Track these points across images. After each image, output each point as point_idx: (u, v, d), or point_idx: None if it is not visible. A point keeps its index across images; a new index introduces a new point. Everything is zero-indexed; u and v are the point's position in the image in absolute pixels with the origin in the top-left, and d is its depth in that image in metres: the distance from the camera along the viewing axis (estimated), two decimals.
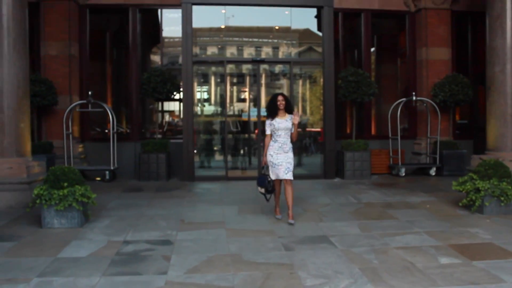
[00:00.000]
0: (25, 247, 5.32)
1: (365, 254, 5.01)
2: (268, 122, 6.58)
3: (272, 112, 6.56)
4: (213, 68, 12.37)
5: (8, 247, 5.31)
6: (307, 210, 7.19)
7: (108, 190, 9.03)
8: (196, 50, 11.63)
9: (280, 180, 6.66)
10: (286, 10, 11.09)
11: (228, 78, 10.45)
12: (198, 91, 13.13)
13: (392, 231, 5.95)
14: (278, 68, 12.26)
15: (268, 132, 6.59)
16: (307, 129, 12.39)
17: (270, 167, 6.58)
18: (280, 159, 6.49)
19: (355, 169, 10.29)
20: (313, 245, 5.35)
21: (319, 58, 10.67)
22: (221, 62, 10.63)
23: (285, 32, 12.03)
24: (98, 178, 10.27)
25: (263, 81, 12.01)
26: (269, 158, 6.55)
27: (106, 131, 11.19)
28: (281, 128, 6.51)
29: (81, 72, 11.08)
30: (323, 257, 4.91)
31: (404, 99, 11.02)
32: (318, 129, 12.05)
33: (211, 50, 12.57)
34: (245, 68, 13.39)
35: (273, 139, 6.55)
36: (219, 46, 12.30)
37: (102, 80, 12.78)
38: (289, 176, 6.49)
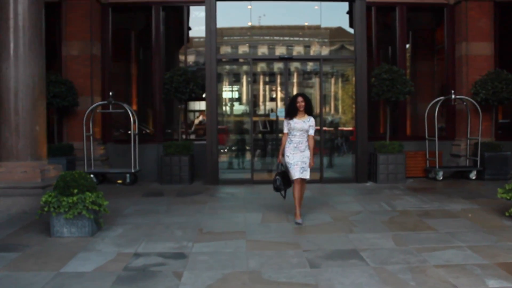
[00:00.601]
0: (29, 259, 4.94)
1: (401, 274, 4.41)
2: (286, 121, 6.60)
3: (291, 112, 6.56)
4: (239, 67, 11.88)
5: (11, 258, 4.95)
6: (336, 219, 6.62)
7: (127, 194, 8.67)
8: (223, 49, 11.22)
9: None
10: (316, 5, 10.53)
11: (255, 77, 9.93)
12: (225, 91, 12.71)
13: (431, 245, 5.32)
14: (309, 67, 11.67)
15: (285, 130, 6.61)
16: (339, 128, 11.78)
17: (288, 168, 6.50)
18: (296, 159, 6.44)
19: (389, 172, 9.64)
20: (341, 261, 4.79)
21: (350, 55, 10.04)
22: (247, 61, 10.08)
23: (315, 30, 11.47)
24: (120, 181, 9.93)
25: (293, 80, 11.49)
26: (286, 159, 6.51)
27: (129, 132, 10.85)
28: (297, 128, 6.47)
29: (103, 73, 10.78)
30: (353, 277, 4.34)
31: (442, 97, 10.28)
32: (350, 128, 11.51)
33: (238, 49, 12.13)
34: (274, 67, 12.90)
35: (289, 139, 6.55)
36: (247, 45, 11.81)
37: (126, 80, 12.50)
38: (305, 175, 6.47)
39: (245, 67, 11.56)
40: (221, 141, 11.78)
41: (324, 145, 9.85)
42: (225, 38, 11.52)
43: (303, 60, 11.17)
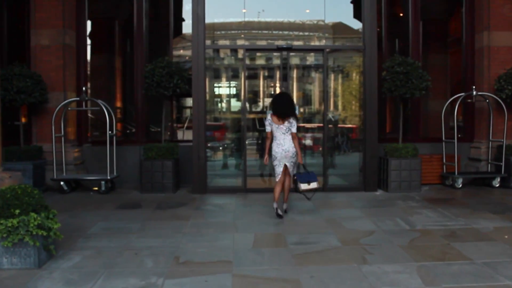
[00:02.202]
0: None
1: None
2: (268, 121, 6.65)
3: (274, 112, 6.60)
4: (232, 59, 10.61)
5: None
6: (344, 242, 5.40)
7: (99, 206, 7.46)
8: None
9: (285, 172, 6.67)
10: None
11: (250, 72, 8.70)
12: (215, 86, 11.49)
13: (469, 284, 4.13)
14: (309, 60, 10.44)
15: (268, 129, 6.67)
16: (339, 125, 10.59)
17: (274, 161, 6.62)
18: (281, 154, 6.53)
19: (402, 179, 8.43)
20: None
21: (358, 45, 8.77)
22: (239, 51, 8.81)
23: (316, 24, 10.25)
24: (96, 188, 8.71)
25: (292, 74, 10.27)
26: (273, 154, 6.60)
27: (110, 132, 9.65)
28: (281, 129, 6.56)
29: (79, 65, 9.57)
30: None
31: (462, 94, 9.06)
32: (350, 126, 10.55)
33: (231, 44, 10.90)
34: (272, 60, 11.71)
35: (274, 136, 6.62)
36: (241, 37, 10.55)
37: (108, 74, 11.30)
38: (290, 165, 6.64)
39: (238, 60, 10.29)
40: (219, 138, 10.66)
41: (326, 143, 8.61)
42: (217, 32, 10.31)
43: (305, 50, 9.92)
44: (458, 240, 5.45)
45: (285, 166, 6.57)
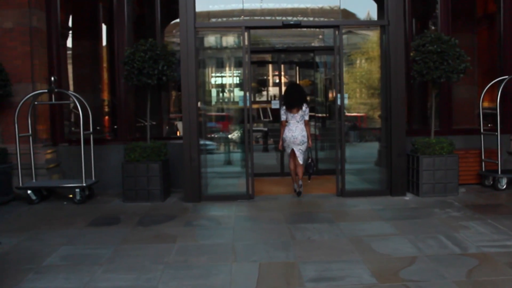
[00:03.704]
0: None
1: None
2: (283, 110, 7.20)
3: (288, 105, 7.15)
4: (229, 40, 9.16)
5: None
6: (380, 276, 3.99)
7: (69, 221, 6.09)
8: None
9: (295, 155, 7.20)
10: None
11: (251, 55, 7.19)
12: (214, 75, 10.09)
13: None
14: (317, 42, 8.98)
15: (283, 119, 7.20)
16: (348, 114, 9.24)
17: (284, 143, 7.25)
18: (292, 137, 7.11)
19: (436, 181, 7.01)
20: None
21: (380, 21, 7.26)
22: (238, 29, 7.26)
23: (321, 10, 8.79)
24: (71, 196, 7.32)
25: (299, 58, 8.87)
26: (285, 138, 7.18)
27: (87, 131, 8.28)
28: (295, 118, 7.12)
29: (51, 52, 8.15)
30: None
31: (506, 77, 7.60)
32: (356, 114, 9.66)
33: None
34: (275, 41, 10.30)
35: (287, 123, 7.16)
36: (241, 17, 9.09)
37: (90, 63, 9.90)
38: (301, 149, 7.16)
39: (236, 40, 8.79)
40: (224, 127, 9.67)
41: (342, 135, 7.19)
42: (213, 20, 8.85)
43: (316, 27, 8.45)
44: None
45: (293, 150, 7.16)
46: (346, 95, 7.13)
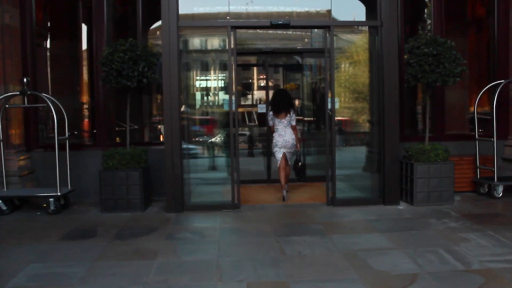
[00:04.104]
0: None
1: None
2: (270, 116, 7.48)
3: (275, 110, 7.39)
4: (213, 41, 8.78)
5: None
6: None
7: (40, 234, 5.64)
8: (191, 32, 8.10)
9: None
10: None
11: (235, 57, 6.78)
12: (198, 78, 9.66)
13: None
14: (304, 44, 8.64)
15: (271, 124, 7.54)
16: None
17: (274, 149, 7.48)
18: (281, 143, 7.35)
19: (431, 189, 6.70)
20: None
21: (373, 22, 6.90)
22: (224, 29, 6.85)
23: (303, 16, 8.45)
24: (44, 205, 6.86)
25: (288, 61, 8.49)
26: (274, 143, 7.43)
27: (69, 134, 7.83)
28: (282, 123, 7.36)
29: (24, 52, 7.67)
30: None
31: (502, 81, 7.35)
32: (342, 118, 9.11)
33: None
34: (260, 44, 9.96)
35: (276, 128, 7.41)
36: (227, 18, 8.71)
37: (70, 64, 9.45)
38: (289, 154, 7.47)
39: (221, 41, 8.40)
40: (208, 131, 9.33)
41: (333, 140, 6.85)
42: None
43: (306, 27, 8.11)
44: None
45: (284, 154, 7.38)
46: (337, 99, 6.78)
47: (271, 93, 8.84)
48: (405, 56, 6.72)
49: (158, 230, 5.72)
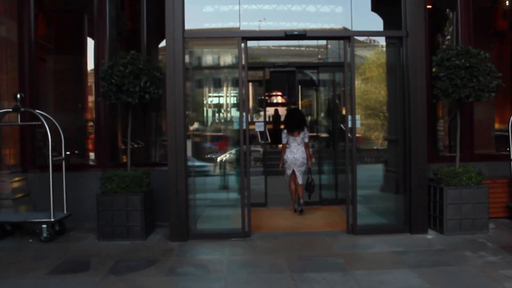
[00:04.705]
0: None
1: None
2: (284, 134, 7.57)
3: (289, 128, 7.53)
4: (223, 53, 8.22)
5: None
6: None
7: (28, 266, 5.06)
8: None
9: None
10: None
11: (247, 71, 6.15)
12: (212, 96, 9.14)
13: None
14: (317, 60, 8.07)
15: (284, 142, 7.56)
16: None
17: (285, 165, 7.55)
18: (292, 159, 7.42)
19: (463, 216, 6.01)
20: None
21: (396, 31, 6.27)
22: (234, 40, 6.27)
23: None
24: (36, 232, 6.29)
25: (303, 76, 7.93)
26: (286, 160, 7.50)
27: (69, 153, 7.31)
28: (296, 141, 7.46)
29: (22, 66, 7.21)
30: None
31: None
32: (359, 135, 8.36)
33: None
34: (275, 59, 9.42)
35: (288, 145, 7.49)
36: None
37: (65, 79, 8.94)
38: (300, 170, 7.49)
39: (231, 55, 7.80)
40: (219, 149, 8.84)
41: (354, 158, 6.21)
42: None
43: (324, 38, 7.53)
44: None
45: (293, 171, 7.44)
46: (357, 116, 6.16)
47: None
48: (434, 69, 6.10)
49: (158, 263, 5.11)
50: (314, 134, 9.37)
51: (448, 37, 7.97)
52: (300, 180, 7.43)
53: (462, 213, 6.02)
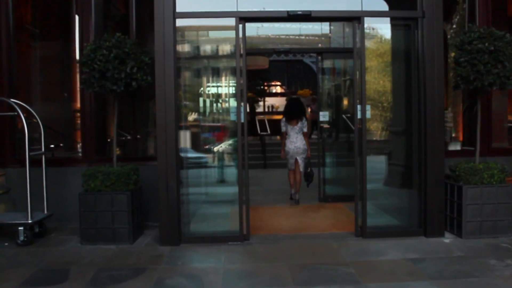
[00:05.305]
0: None
1: None
2: (283, 122, 7.74)
3: (288, 117, 7.68)
4: (218, 37, 7.54)
5: None
6: None
7: None
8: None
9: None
10: None
11: (245, 58, 5.50)
12: (209, 86, 8.47)
13: None
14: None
15: (283, 130, 7.74)
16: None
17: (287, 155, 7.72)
18: (293, 149, 7.60)
19: (484, 218, 5.44)
20: None
21: (411, 11, 5.64)
22: (230, 20, 5.60)
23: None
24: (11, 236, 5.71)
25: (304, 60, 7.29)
26: (286, 150, 7.69)
27: (52, 146, 6.76)
28: (294, 130, 7.64)
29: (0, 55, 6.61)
30: None
31: None
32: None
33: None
34: (273, 47, 8.77)
35: (288, 135, 7.68)
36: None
37: (49, 66, 8.32)
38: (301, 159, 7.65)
39: (228, 36, 7.12)
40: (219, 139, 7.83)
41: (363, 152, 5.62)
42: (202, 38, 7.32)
43: (330, 20, 6.90)
44: None
45: (296, 159, 7.61)
46: (368, 107, 5.55)
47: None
48: (453, 54, 5.49)
49: (146, 272, 4.53)
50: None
51: (462, 20, 7.34)
52: (301, 168, 7.65)
53: (483, 215, 5.44)
